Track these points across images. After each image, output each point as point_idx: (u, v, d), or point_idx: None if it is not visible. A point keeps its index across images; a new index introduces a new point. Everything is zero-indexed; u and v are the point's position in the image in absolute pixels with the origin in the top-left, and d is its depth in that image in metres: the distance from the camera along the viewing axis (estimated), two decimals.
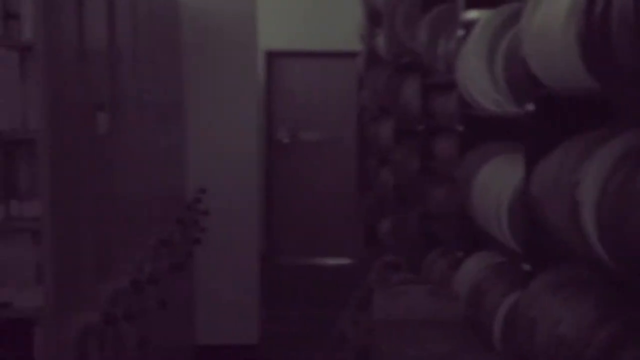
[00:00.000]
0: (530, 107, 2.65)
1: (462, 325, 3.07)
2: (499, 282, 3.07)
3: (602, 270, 2.11)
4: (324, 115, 7.94)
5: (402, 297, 3.10)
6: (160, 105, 4.23)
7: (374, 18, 6.13)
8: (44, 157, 2.14)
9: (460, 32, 3.59)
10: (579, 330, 2.13)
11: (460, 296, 3.25)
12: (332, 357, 4.21)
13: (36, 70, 2.13)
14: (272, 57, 7.82)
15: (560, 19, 2.16)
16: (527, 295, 2.58)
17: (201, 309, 5.17)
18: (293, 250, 7.94)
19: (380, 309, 3.07)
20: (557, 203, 2.22)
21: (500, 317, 2.90)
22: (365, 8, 6.57)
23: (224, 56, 5.20)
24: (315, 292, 6.83)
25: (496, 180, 3.03)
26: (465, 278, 3.32)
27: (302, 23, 7.71)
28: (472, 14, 3.54)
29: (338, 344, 4.16)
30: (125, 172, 3.13)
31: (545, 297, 2.40)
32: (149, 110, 3.85)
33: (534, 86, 2.61)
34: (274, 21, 7.63)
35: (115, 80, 3.04)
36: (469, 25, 3.46)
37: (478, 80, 3.18)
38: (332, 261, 7.88)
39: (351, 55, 7.36)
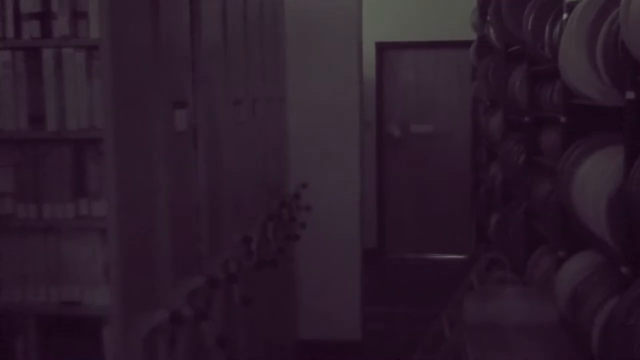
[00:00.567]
0: (630, 95, 2.43)
1: (559, 332, 2.86)
2: (600, 284, 2.84)
3: None
4: (436, 108, 7.73)
5: (494, 299, 2.93)
6: (263, 100, 4.23)
7: (484, 5, 5.89)
8: (110, 156, 2.14)
9: (565, 17, 3.35)
10: None
11: (558, 299, 3.03)
12: (430, 357, 4.07)
13: (103, 69, 2.12)
14: (383, 48, 7.68)
15: None
16: (624, 301, 2.36)
17: (304, 305, 5.14)
18: (404, 245, 7.79)
19: (471, 311, 2.91)
20: None
21: (600, 324, 2.68)
22: None
23: (327, 49, 5.13)
24: (425, 288, 6.67)
25: (596, 175, 2.80)
26: (565, 280, 3.10)
27: (414, 13, 7.53)
28: None
29: (436, 344, 4.01)
30: (211, 168, 3.12)
31: None
32: (249, 105, 3.84)
33: (634, 73, 2.40)
34: (384, 12, 7.50)
35: (205, 77, 3.03)
36: (573, 9, 3.23)
37: (579, 68, 2.96)
38: (443, 257, 7.67)
39: (465, 44, 7.11)
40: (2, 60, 2.17)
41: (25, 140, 2.21)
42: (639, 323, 2.26)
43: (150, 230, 2.40)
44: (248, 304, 3.16)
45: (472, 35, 6.80)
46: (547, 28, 3.75)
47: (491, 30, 5.47)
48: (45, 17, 2.14)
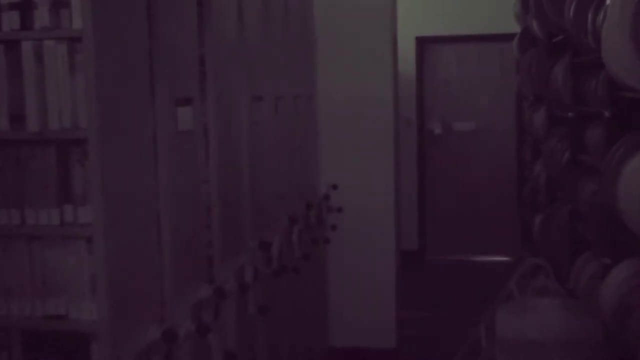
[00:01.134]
0: None
1: (603, 348, 2.59)
2: None
3: None
4: (479, 104, 7.42)
5: (530, 312, 2.67)
6: (289, 98, 4.02)
7: None
8: (95, 157, 1.95)
9: (608, 1, 3.07)
10: None
11: (603, 312, 2.76)
12: None
13: (86, 63, 1.93)
14: (423, 43, 7.41)
15: None
16: None
17: (336, 311, 4.92)
18: (446, 247, 7.51)
19: (505, 326, 2.65)
20: None
21: None
22: None
23: (360, 44, 4.90)
24: (466, 292, 6.39)
25: None
26: (610, 290, 2.82)
27: (455, 5, 7.24)
28: None
29: (473, 354, 3.76)
30: (224, 169, 2.92)
31: None
32: (271, 103, 3.64)
33: None
34: (424, 6, 7.24)
35: (217, 73, 2.84)
36: None
37: (622, 57, 2.68)
38: (487, 259, 7.37)
39: (508, 37, 6.79)
40: None
41: (6, 141, 2.04)
42: None
43: (146, 238, 2.21)
44: (265, 314, 2.96)
45: (516, 28, 6.49)
46: (590, 14, 3.46)
47: (534, 21, 5.17)
48: (25, 7, 1.96)
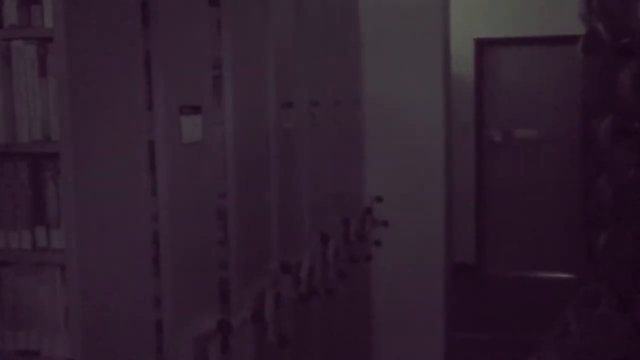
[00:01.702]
0: None
1: None
2: None
3: None
4: (541, 110, 6.99)
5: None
6: (328, 103, 3.75)
7: None
8: (68, 174, 1.71)
9: None
10: None
11: None
12: None
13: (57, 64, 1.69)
14: (482, 45, 7.03)
15: None
16: None
17: (380, 333, 4.61)
18: (506, 261, 7.10)
19: None
20: None
21: None
22: None
23: (409, 47, 4.60)
24: (525, 312, 5.98)
25: None
26: None
27: (516, 6, 6.84)
28: None
29: None
30: (243, 182, 2.66)
31: None
32: (304, 109, 3.37)
33: None
34: (483, 7, 6.87)
35: (234, 78, 2.59)
36: None
37: None
38: (549, 275, 6.93)
39: (573, 39, 6.36)
40: None
41: None
42: None
43: (136, 265, 1.96)
44: (284, 345, 2.68)
45: (582, 29, 6.06)
46: None
47: (598, 23, 4.76)
48: None
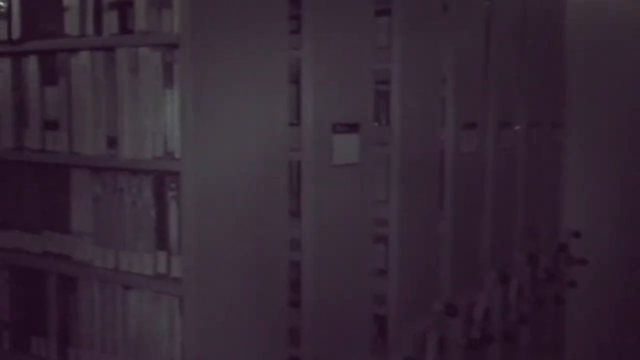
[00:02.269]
0: None
1: None
2: None
3: None
4: None
5: None
6: (521, 125, 3.39)
7: None
8: (188, 197, 1.53)
9: None
10: None
11: None
12: None
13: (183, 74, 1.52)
14: None
15: None
16: None
17: None
18: None
19: None
20: None
21: None
22: None
23: (617, 65, 4.08)
24: None
25: None
26: None
27: None
28: None
29: None
30: (412, 207, 2.40)
31: None
32: (488, 130, 3.05)
33: None
34: None
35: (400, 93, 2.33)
36: None
37: None
38: None
39: None
40: (79, 63, 1.68)
41: (105, 168, 1.70)
42: None
43: (266, 299, 1.76)
44: None
45: None
46: None
47: None
48: (123, 7, 1.61)
